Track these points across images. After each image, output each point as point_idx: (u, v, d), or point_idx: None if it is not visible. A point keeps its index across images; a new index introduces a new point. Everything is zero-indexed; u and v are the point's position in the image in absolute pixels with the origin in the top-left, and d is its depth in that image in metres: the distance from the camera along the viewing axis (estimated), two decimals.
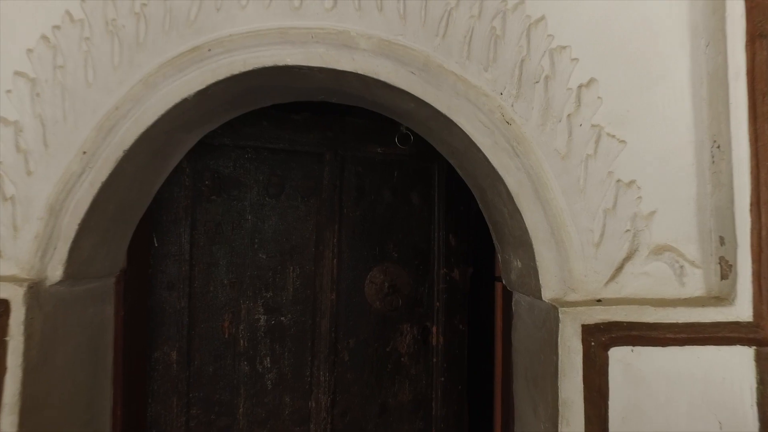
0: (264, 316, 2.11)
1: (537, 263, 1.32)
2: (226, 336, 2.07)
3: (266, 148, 2.16)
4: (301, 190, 2.19)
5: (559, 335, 1.20)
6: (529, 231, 1.33)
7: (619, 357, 1.16)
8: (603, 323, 1.17)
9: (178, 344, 1.99)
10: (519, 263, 1.47)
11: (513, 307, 1.63)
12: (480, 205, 1.69)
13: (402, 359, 2.28)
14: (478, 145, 1.35)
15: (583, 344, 1.16)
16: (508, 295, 1.69)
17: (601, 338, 1.15)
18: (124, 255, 1.67)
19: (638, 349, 1.15)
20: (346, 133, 2.25)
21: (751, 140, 1.23)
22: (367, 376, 2.23)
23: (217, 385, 2.05)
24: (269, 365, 2.10)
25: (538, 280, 1.32)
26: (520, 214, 1.34)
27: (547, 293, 1.30)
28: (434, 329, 2.33)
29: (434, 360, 2.32)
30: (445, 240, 2.35)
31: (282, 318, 2.13)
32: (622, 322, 1.17)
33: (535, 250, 1.32)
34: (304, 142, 2.20)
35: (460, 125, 1.34)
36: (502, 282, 1.79)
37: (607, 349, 1.15)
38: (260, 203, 2.14)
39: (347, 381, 2.20)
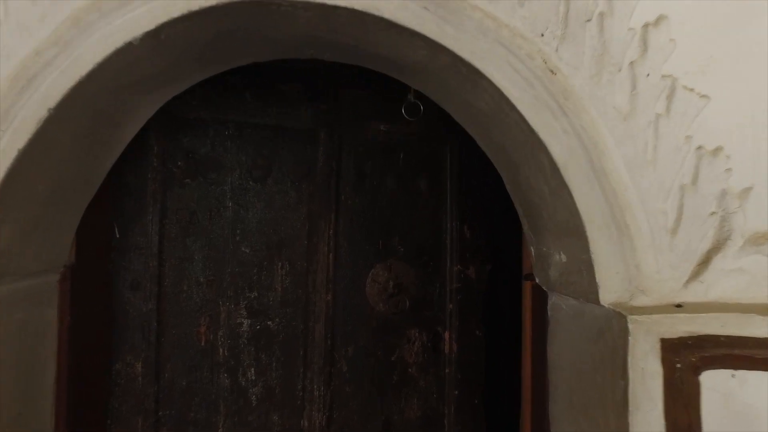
0: (247, 321, 1.80)
1: (592, 256, 1.00)
2: (203, 343, 1.75)
3: (250, 123, 1.85)
4: (291, 173, 1.88)
5: (629, 353, 0.88)
6: (581, 214, 1.01)
7: (715, 384, 0.84)
8: (691, 337, 0.86)
9: (144, 354, 1.67)
10: (562, 257, 1.15)
11: (549, 312, 1.31)
12: (509, 187, 1.37)
13: (409, 370, 1.97)
14: (513, 101, 1.03)
15: (663, 366, 0.85)
16: (540, 297, 1.37)
17: (690, 358, 0.84)
18: (69, 248, 1.36)
19: (743, 374, 0.83)
20: (344, 107, 1.94)
21: None
22: (369, 390, 1.92)
23: (192, 401, 1.74)
24: (254, 378, 1.79)
25: (592, 278, 1.01)
26: (569, 192, 1.02)
27: (607, 295, 0.99)
28: (446, 335, 2.01)
29: (446, 370, 2.00)
30: (459, 232, 2.03)
31: (269, 322, 1.82)
32: (717, 337, 0.85)
33: (590, 239, 1.01)
34: (295, 118, 1.88)
35: (488, 76, 1.03)
36: (532, 281, 1.47)
37: (699, 373, 0.84)
38: (243, 188, 1.83)
39: (345, 395, 1.89)
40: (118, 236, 1.67)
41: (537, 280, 1.37)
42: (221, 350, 1.77)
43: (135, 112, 1.32)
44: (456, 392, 2.00)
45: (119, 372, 1.65)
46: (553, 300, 1.29)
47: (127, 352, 1.66)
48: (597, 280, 0.99)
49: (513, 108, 1.04)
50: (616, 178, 1.00)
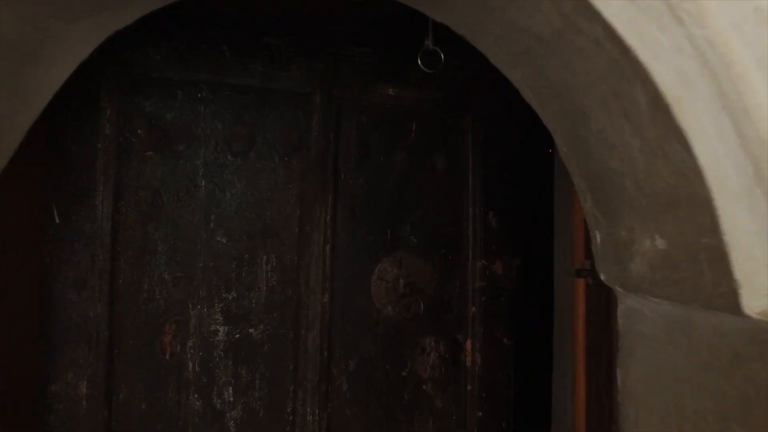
0: (224, 328, 1.45)
1: (724, 238, 0.65)
2: (168, 356, 1.41)
3: (229, 85, 1.50)
4: (279, 145, 1.53)
5: None
6: (705, 175, 0.66)
7: None
8: None
9: (90, 370, 1.33)
10: (658, 242, 0.79)
11: (621, 321, 0.96)
12: (564, 151, 1.01)
13: (423, 386, 1.62)
14: (597, 6, 0.68)
15: None
16: (601, 300, 1.02)
17: None
18: None
19: None
20: (344, 66, 1.59)
21: None
22: (374, 412, 1.57)
23: (155, 429, 1.39)
24: (231, 399, 1.45)
25: (723, 272, 0.65)
26: (683, 143, 0.67)
27: (754, 301, 0.63)
28: (468, 344, 1.66)
29: (468, 387, 1.65)
30: (483, 220, 1.68)
31: (250, 330, 1.47)
32: None
33: (720, 213, 0.65)
34: (285, 79, 1.53)
35: None
36: (587, 278, 1.12)
37: None
38: (219, 163, 1.48)
39: (345, 419, 1.54)
40: (57, 221, 1.32)
41: (603, 277, 1.01)
42: (191, 365, 1.42)
43: (60, 45, 0.97)
44: (479, 414, 1.65)
45: (57, 394, 1.30)
46: (630, 304, 0.93)
47: (68, 368, 1.31)
48: (735, 276, 0.64)
49: (594, 17, 0.69)
50: (762, 119, 0.64)
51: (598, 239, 1.00)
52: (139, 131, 1.43)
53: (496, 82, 1.76)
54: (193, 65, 1.46)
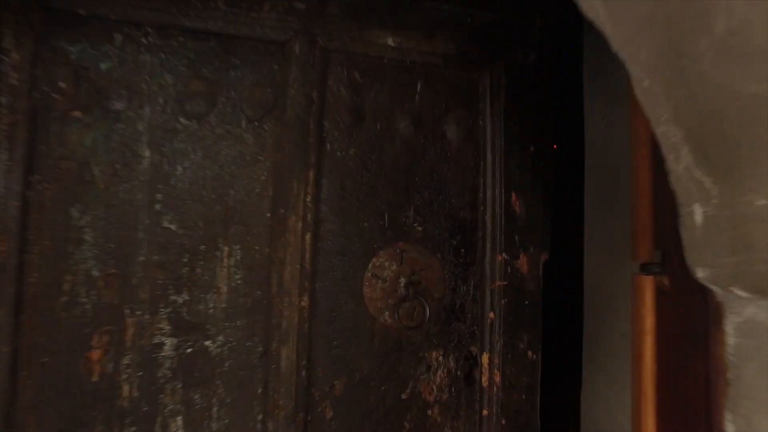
0: (172, 340, 1.12)
1: None
2: (96, 378, 1.08)
3: (183, 28, 1.16)
4: (247, 107, 1.20)
5: None
6: None
7: None
8: None
9: None
10: None
11: (736, 342, 0.63)
12: (646, 84, 0.67)
13: (429, 412, 1.29)
14: None
15: None
16: (686, 308, 0.68)
17: None
18: None
19: None
20: (333, 7, 1.25)
21: None
22: None
23: None
24: None
25: None
26: None
27: None
28: (485, 359, 1.33)
29: (484, 412, 1.32)
30: (505, 204, 1.35)
31: (207, 343, 1.14)
32: None
33: None
34: (255, 22, 1.20)
35: None
36: (659, 274, 0.79)
37: None
38: (169, 128, 1.15)
39: None
40: None
41: (700, 274, 0.68)
42: (127, 388, 1.09)
43: None
44: None
45: None
46: (755, 316, 0.60)
47: None
48: None
49: None
50: None
51: (699, 216, 0.66)
52: (62, 84, 1.09)
53: (521, 33, 1.43)
54: (138, 1, 1.13)
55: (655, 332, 0.83)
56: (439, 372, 1.30)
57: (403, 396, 1.27)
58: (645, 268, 0.86)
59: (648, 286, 0.85)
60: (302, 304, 1.18)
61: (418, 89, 1.33)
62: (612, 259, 1.34)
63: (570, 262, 1.58)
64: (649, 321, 0.84)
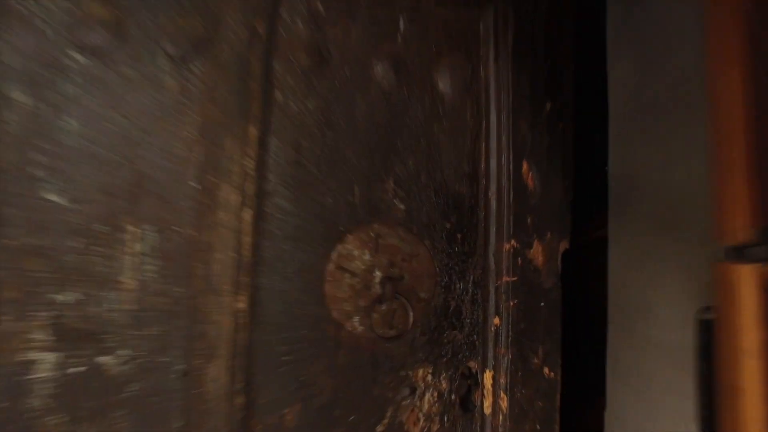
0: (53, 355, 0.81)
1: None
2: None
3: None
4: (166, 40, 0.88)
5: None
6: None
7: None
8: None
9: None
10: None
11: None
12: None
13: None
14: None
15: None
16: None
17: None
18: None
19: None
20: None
21: None
22: None
23: None
24: None
25: None
26: None
27: None
28: (487, 378, 1.02)
29: None
30: (513, 176, 1.04)
31: (103, 359, 0.83)
32: None
33: None
34: None
35: None
36: (760, 262, 0.47)
37: None
38: (57, 66, 0.84)
39: None
40: None
41: None
42: None
43: None
44: None
45: None
46: None
47: None
48: None
49: None
50: None
51: None
52: None
53: None
54: None
55: (763, 352, 0.52)
56: (428, 396, 0.99)
57: (379, 428, 0.96)
58: (738, 254, 0.55)
59: (746, 279, 0.54)
60: (238, 305, 0.87)
61: (401, 27, 1.02)
62: (648, 245, 1.02)
63: (588, 251, 1.26)
64: (750, 336, 0.53)
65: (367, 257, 0.94)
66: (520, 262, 1.02)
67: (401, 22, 1.02)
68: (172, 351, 0.84)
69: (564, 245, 1.08)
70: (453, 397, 1.00)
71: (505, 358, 1.01)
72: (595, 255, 1.24)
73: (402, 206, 0.98)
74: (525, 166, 1.04)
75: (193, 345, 0.85)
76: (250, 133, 0.89)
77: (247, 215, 0.88)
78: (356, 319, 0.93)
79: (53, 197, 0.82)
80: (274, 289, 0.90)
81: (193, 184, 0.87)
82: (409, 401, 0.98)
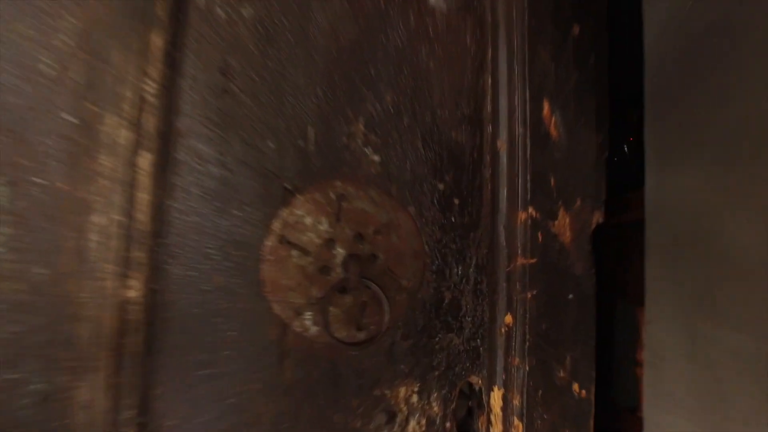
0: None
1: None
2: None
3: None
4: None
5: None
6: None
7: None
8: None
9: None
10: None
11: None
12: None
13: None
14: None
15: None
16: None
17: None
18: None
19: None
20: None
21: None
22: None
23: None
24: None
25: None
26: None
27: None
28: (496, 398, 0.73)
29: None
30: (531, 120, 0.76)
31: None
32: None
33: None
34: None
35: None
36: None
37: None
38: None
39: None
40: None
41: None
42: None
43: None
44: None
45: None
46: None
47: None
48: None
49: None
50: None
51: None
52: None
53: None
54: None
55: None
56: (413, 424, 0.71)
57: None
58: None
59: None
60: (128, 293, 0.59)
61: None
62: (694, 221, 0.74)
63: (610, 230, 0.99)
64: None
65: (324, 227, 0.66)
66: (540, 237, 0.74)
67: None
68: (26, 364, 0.56)
69: (598, 216, 0.80)
70: (448, 424, 0.72)
71: (521, 371, 0.73)
72: (624, 241, 0.96)
73: (376, 158, 0.70)
74: (546, 107, 0.76)
75: (57, 354, 0.57)
76: (152, 43, 0.61)
77: (145, 162, 0.60)
78: (308, 315, 0.65)
79: None
80: (184, 272, 0.62)
81: (65, 115, 0.59)
82: (386, 431, 0.69)
